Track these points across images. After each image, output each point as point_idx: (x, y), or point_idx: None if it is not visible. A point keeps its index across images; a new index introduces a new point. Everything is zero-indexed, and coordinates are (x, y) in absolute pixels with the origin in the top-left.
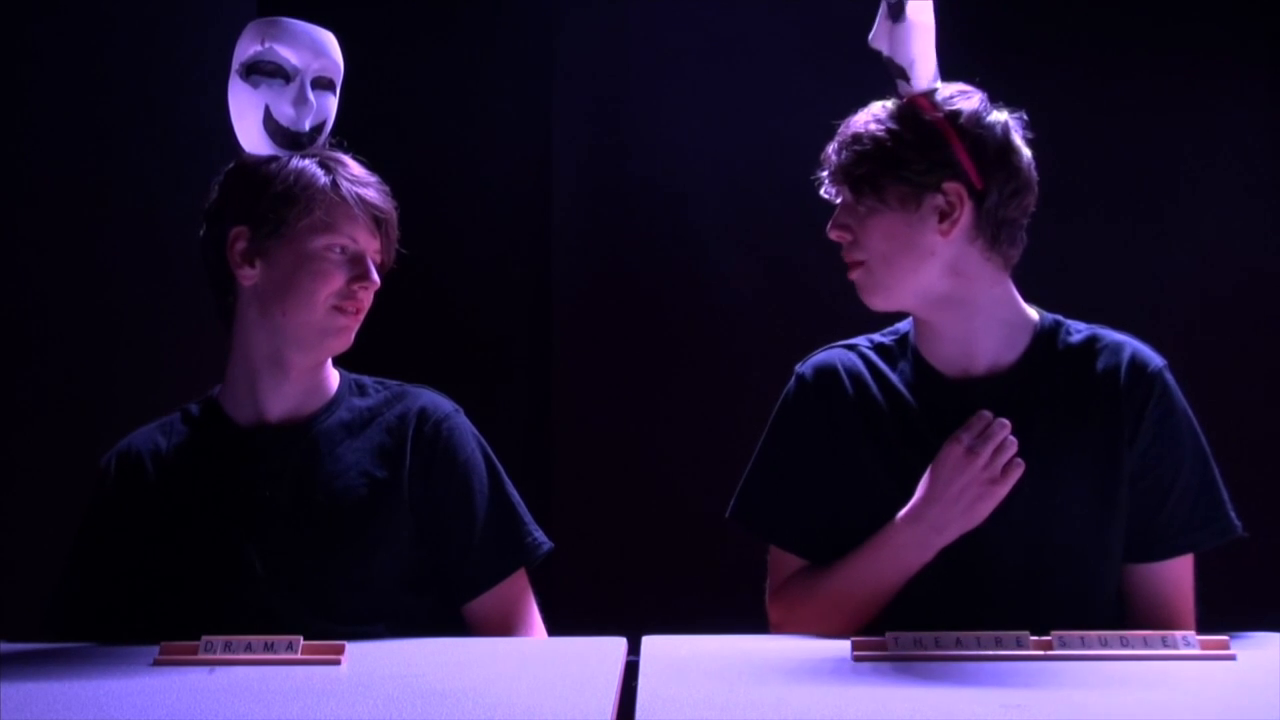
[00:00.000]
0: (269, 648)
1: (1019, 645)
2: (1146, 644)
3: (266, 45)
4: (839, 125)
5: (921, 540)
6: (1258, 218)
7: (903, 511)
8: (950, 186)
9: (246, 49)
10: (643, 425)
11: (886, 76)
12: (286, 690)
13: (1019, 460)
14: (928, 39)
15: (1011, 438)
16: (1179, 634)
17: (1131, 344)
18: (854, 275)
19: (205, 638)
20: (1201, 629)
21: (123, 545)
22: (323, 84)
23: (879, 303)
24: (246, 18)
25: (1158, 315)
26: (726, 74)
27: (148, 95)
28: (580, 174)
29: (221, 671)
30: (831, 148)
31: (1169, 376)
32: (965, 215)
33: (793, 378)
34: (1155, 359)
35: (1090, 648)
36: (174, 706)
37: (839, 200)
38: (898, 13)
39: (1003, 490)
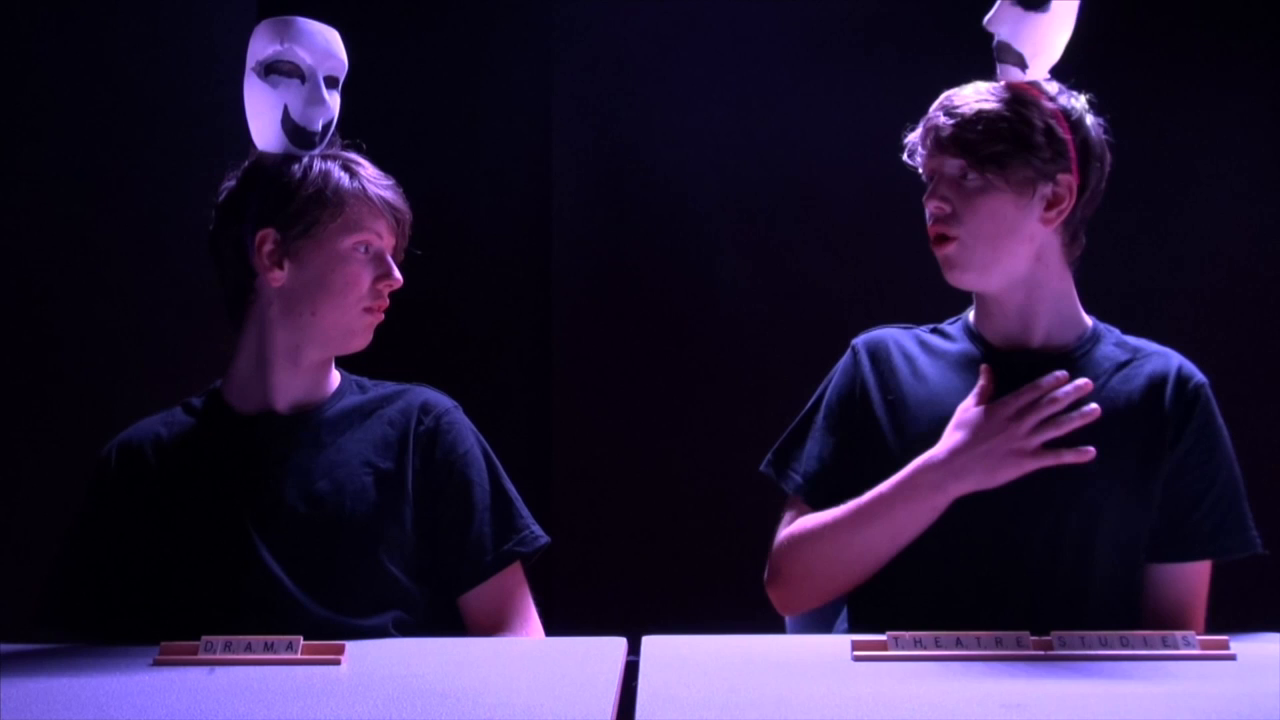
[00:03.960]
0: (269, 648)
1: (1019, 645)
2: (1146, 644)
3: (285, 45)
4: (835, 121)
5: (938, 483)
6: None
7: (927, 452)
8: (1064, 178)
9: (264, 49)
10: (643, 425)
11: (891, 74)
12: (286, 690)
13: (1064, 450)
14: (1063, 37)
15: (1066, 419)
16: (1179, 634)
17: (1178, 357)
18: (947, 249)
19: (205, 638)
20: (1206, 631)
21: (124, 534)
22: (331, 82)
23: (969, 281)
24: (247, 17)
25: (1158, 316)
26: (726, 72)
27: (150, 94)
28: (580, 172)
29: (221, 671)
30: (945, 120)
31: (1211, 393)
32: (1069, 209)
33: (848, 349)
34: (1199, 374)
35: (1090, 647)
36: (174, 706)
37: (932, 171)
38: (1038, 3)
39: (1032, 465)
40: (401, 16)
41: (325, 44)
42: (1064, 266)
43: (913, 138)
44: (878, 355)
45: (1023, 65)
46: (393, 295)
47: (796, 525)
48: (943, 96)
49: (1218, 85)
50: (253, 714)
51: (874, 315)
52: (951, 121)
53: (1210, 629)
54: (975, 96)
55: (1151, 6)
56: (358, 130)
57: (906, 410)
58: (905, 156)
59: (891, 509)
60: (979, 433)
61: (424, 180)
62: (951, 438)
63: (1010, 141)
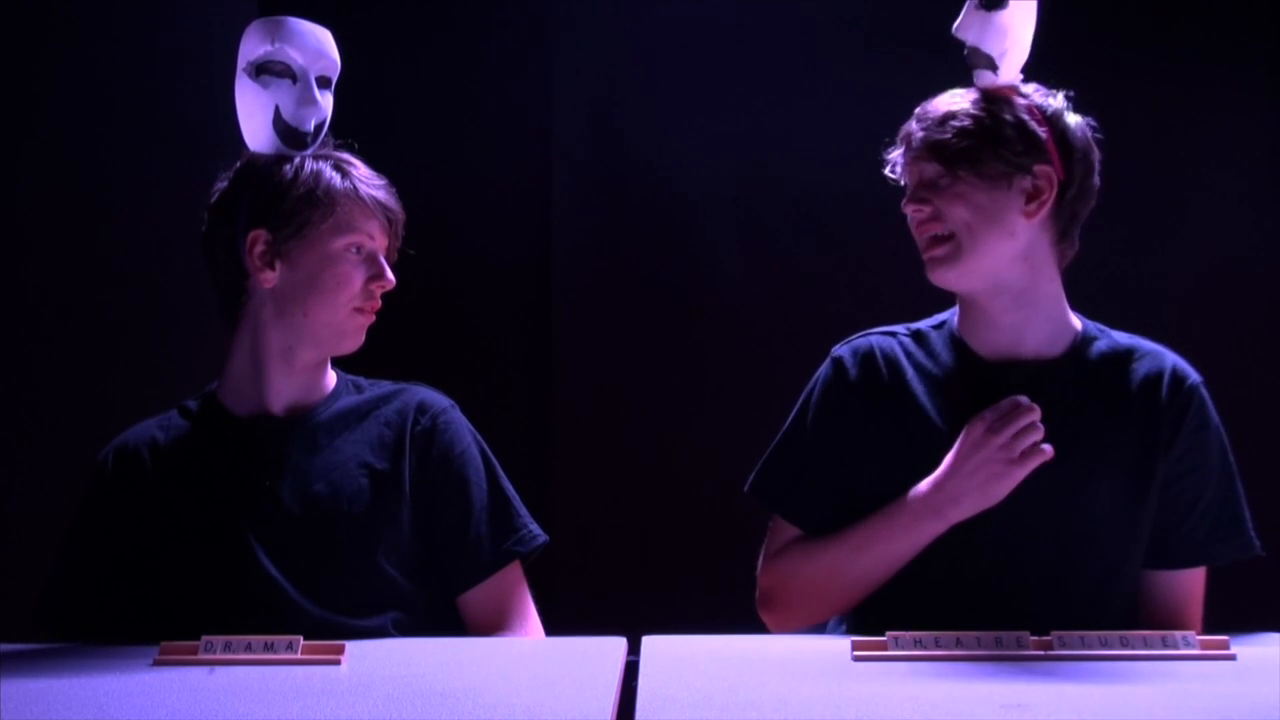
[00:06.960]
0: (269, 648)
1: (1019, 645)
2: (1146, 644)
3: (277, 45)
4: (836, 121)
5: (936, 509)
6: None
7: (924, 481)
8: (1041, 170)
9: (255, 49)
10: (643, 424)
11: (895, 71)
12: (286, 690)
13: (1044, 448)
14: (1026, 33)
15: (1038, 424)
16: (1179, 634)
17: (1172, 356)
18: (938, 250)
19: (205, 638)
20: (1203, 631)
21: (122, 538)
22: (323, 82)
23: (953, 278)
24: (248, 17)
25: (1158, 318)
26: (726, 72)
27: (149, 94)
28: (580, 173)
29: (221, 671)
30: (916, 127)
31: (1205, 392)
32: (1049, 201)
33: (828, 359)
34: (1194, 373)
35: (1090, 647)
36: (174, 706)
37: (912, 180)
38: (996, 2)
39: (1021, 472)
40: (402, 16)
41: (317, 44)
42: (1054, 270)
43: (894, 153)
44: (863, 369)
45: (993, 67)
46: (393, 295)
47: (790, 550)
48: (918, 108)
49: (1216, 85)
50: (253, 714)
51: (877, 315)
52: (922, 127)
53: (1210, 629)
54: (946, 101)
55: (1150, 6)
56: (358, 131)
57: (897, 428)
58: (887, 170)
59: (891, 537)
60: (962, 453)
61: (424, 180)
62: (941, 465)
63: (978, 137)
